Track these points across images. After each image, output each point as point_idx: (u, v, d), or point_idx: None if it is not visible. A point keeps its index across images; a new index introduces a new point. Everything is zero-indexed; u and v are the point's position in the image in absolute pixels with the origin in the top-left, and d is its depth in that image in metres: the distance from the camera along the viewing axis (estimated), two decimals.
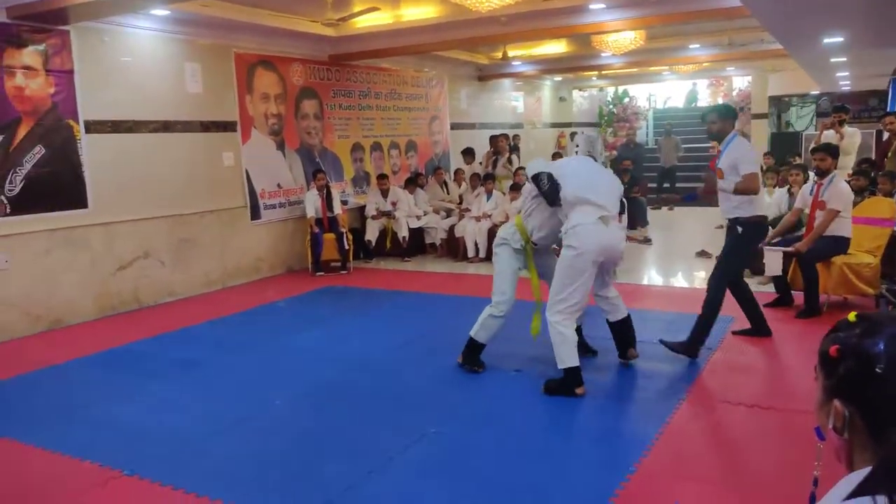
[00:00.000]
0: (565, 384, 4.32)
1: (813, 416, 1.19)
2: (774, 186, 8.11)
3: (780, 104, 15.77)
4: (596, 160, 5.23)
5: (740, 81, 17.96)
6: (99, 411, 4.42)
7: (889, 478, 0.96)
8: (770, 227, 5.86)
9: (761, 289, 6.94)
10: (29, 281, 6.26)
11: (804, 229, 6.25)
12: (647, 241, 10.12)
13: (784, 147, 13.32)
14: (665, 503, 3.07)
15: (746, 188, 4.73)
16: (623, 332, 4.87)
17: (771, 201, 7.74)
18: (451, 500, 3.15)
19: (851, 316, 1.13)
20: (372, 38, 8.89)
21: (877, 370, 1.03)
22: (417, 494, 3.22)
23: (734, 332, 5.46)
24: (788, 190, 7.39)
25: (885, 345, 1.03)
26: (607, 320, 4.91)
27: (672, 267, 8.82)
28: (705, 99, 21.19)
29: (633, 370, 4.78)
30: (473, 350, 4.87)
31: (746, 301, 5.31)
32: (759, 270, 6.88)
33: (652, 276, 8.33)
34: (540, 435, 3.87)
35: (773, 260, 6.13)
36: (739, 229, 4.87)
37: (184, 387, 4.85)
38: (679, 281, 8.04)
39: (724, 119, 4.93)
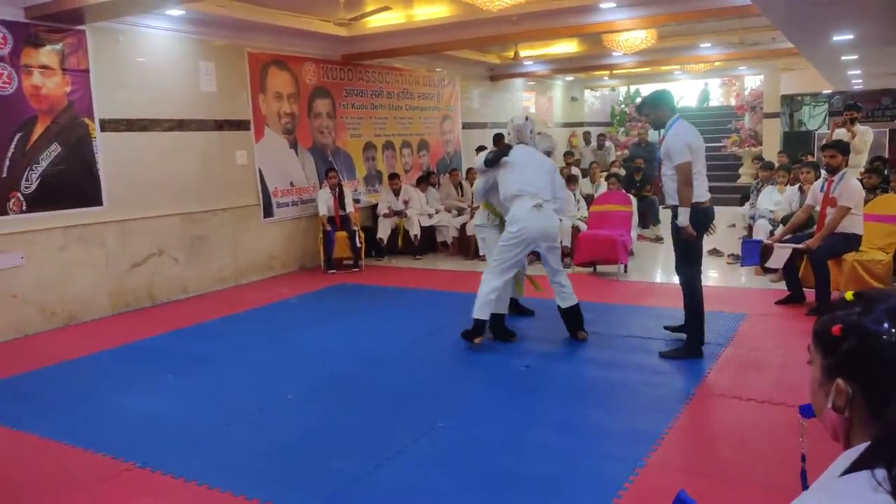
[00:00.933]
0: (470, 332, 5.28)
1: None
2: (786, 184, 8.08)
3: (792, 103, 15.68)
4: (527, 144, 5.45)
5: (752, 80, 17.87)
6: (112, 405, 4.48)
7: (887, 451, 0.97)
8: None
9: (773, 287, 6.95)
10: (44, 277, 6.34)
11: (815, 227, 6.23)
12: (658, 239, 10.11)
13: (797, 146, 13.26)
14: (672, 498, 3.08)
15: (681, 180, 4.67)
16: (572, 316, 5.40)
17: (782, 199, 7.72)
18: (459, 493, 3.18)
19: (848, 295, 1.14)
20: (384, 38, 8.94)
21: (880, 345, 1.04)
22: (425, 486, 3.25)
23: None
24: (800, 188, 7.37)
25: (887, 320, 1.05)
26: (559, 306, 5.40)
27: None
28: (717, 98, 21.09)
29: (644, 367, 4.79)
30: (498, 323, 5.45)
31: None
32: (770, 269, 6.87)
33: (663, 275, 8.32)
34: (549, 429, 3.88)
35: (780, 254, 6.10)
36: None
37: (196, 381, 4.91)
38: None
39: (656, 107, 4.92)
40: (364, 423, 4.03)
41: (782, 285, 6.54)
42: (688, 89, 21.78)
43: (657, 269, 8.56)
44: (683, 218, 4.68)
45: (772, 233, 7.24)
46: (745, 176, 14.78)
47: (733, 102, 18.44)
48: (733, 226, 10.50)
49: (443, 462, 3.50)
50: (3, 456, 3.81)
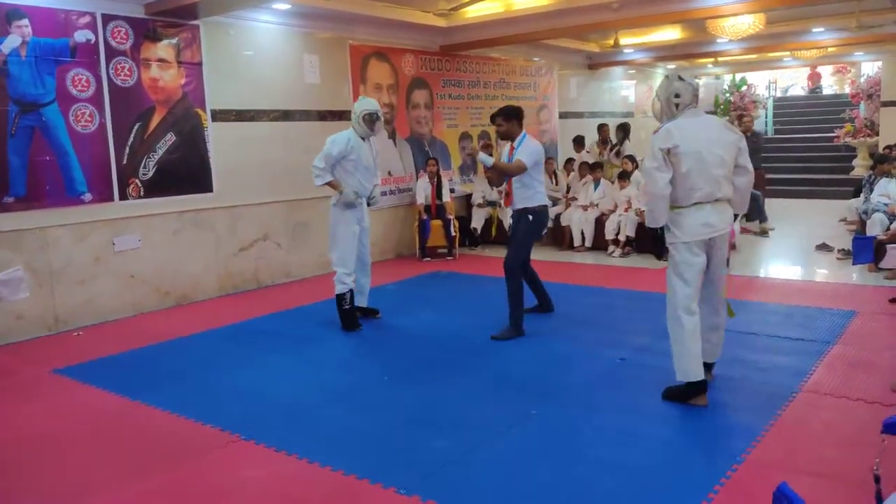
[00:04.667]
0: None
1: None
2: None
3: None
4: None
5: (869, 67, 16.86)
6: (220, 380, 4.73)
7: None
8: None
9: (887, 284, 6.59)
10: (159, 259, 6.73)
11: None
12: (763, 233, 9.74)
13: None
14: (771, 494, 3.00)
15: (511, 168, 5.37)
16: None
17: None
18: (553, 479, 3.19)
19: None
20: (482, 28, 8.96)
21: None
22: (521, 471, 3.28)
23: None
24: None
25: None
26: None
27: (791, 260, 8.46)
28: (830, 86, 20.02)
29: (747, 363, 4.65)
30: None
31: (532, 281, 5.88)
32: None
33: (767, 269, 8.02)
34: (645, 421, 3.84)
35: (893, 255, 5.78)
36: (531, 217, 5.44)
37: (298, 361, 5.11)
38: (797, 274, 7.70)
39: (509, 120, 5.45)
40: (459, 407, 4.10)
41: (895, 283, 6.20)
42: (797, 77, 20.82)
43: (761, 263, 8.26)
44: (486, 159, 5.47)
45: (888, 228, 6.87)
46: (860, 168, 14.01)
47: (847, 90, 17.46)
48: (844, 219, 10.00)
49: (538, 448, 3.52)
50: (121, 424, 4.09)
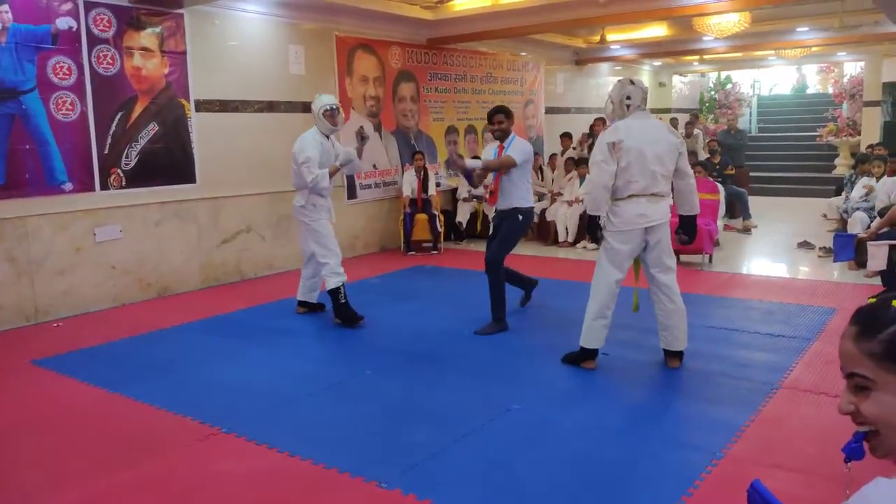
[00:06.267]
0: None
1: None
2: (882, 175, 7.69)
3: (894, 91, 14.84)
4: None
5: (852, 67, 16.99)
6: (201, 373, 4.70)
7: None
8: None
9: (867, 282, 6.65)
10: (141, 250, 6.67)
11: None
12: (746, 230, 9.80)
13: None
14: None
15: (502, 162, 5.32)
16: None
17: (880, 189, 7.37)
18: (533, 473, 3.20)
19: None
20: (469, 21, 8.94)
21: None
22: (501, 465, 3.28)
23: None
24: None
25: None
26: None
27: (773, 257, 8.51)
28: (814, 85, 20.15)
29: (728, 358, 4.69)
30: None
31: (510, 275, 5.87)
32: (863, 264, 6.58)
33: (750, 266, 8.08)
34: (626, 416, 3.86)
35: (877, 254, 5.85)
36: (521, 217, 5.45)
37: (279, 354, 5.09)
38: (779, 271, 7.75)
39: (510, 118, 5.47)
40: (440, 401, 4.09)
41: (877, 280, 6.25)
42: (781, 76, 20.95)
43: (743, 260, 8.31)
44: (473, 163, 5.50)
45: (868, 226, 6.93)
46: (842, 167, 14.13)
47: (830, 90, 17.59)
48: (825, 216, 10.09)
49: (518, 443, 3.53)
50: (100, 415, 4.05)
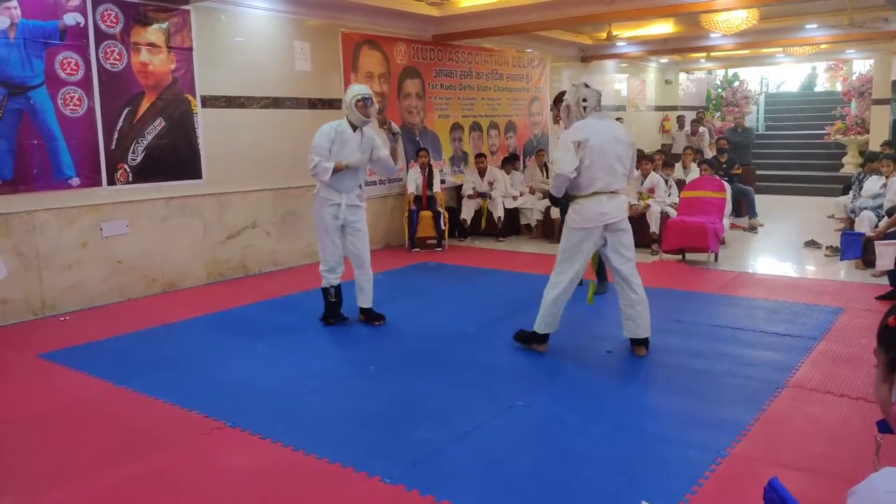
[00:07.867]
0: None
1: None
2: (891, 174, 7.65)
3: None
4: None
5: (861, 65, 16.90)
6: (206, 368, 4.71)
7: None
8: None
9: (874, 281, 6.63)
10: (147, 246, 6.69)
11: None
12: (753, 229, 9.77)
13: None
14: (756, 487, 3.01)
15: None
16: None
17: (889, 190, 7.33)
18: (536, 470, 3.20)
19: None
20: (475, 18, 8.92)
21: None
22: (503, 461, 3.28)
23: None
24: None
25: None
26: None
27: (779, 256, 8.49)
28: (822, 83, 20.07)
29: (733, 357, 4.67)
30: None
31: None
32: (871, 263, 6.56)
33: (756, 265, 8.06)
34: (630, 413, 3.85)
35: (885, 254, 5.83)
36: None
37: (284, 349, 5.10)
38: (785, 270, 7.73)
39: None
40: (444, 398, 4.10)
41: (884, 280, 6.23)
42: (789, 73, 20.87)
43: (749, 259, 8.29)
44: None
45: (876, 225, 6.91)
46: (850, 165, 14.07)
47: (839, 88, 17.51)
48: (832, 216, 10.05)
49: (523, 439, 3.53)
50: (106, 409, 4.07)
